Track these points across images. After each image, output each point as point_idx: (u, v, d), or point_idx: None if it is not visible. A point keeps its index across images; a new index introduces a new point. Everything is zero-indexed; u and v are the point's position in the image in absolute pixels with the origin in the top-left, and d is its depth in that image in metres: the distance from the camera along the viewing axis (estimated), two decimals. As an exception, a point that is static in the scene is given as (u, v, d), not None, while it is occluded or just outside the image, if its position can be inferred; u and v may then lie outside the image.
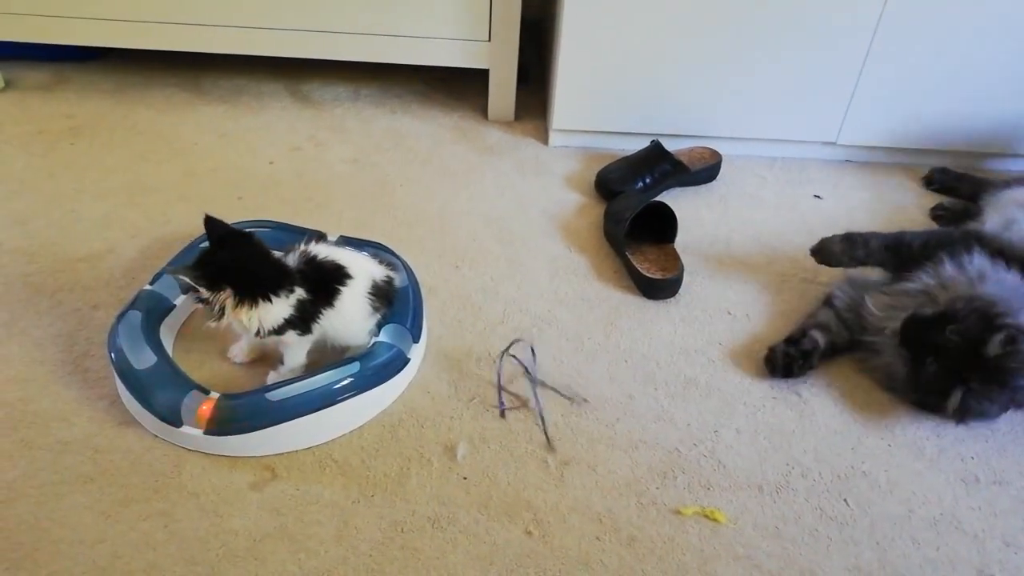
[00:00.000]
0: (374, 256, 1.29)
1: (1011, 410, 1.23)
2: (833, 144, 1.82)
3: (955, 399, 1.18)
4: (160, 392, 1.11)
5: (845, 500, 1.12)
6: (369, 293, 1.20)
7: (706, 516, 1.09)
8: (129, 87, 1.95)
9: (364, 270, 1.21)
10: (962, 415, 1.19)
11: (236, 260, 1.11)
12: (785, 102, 1.75)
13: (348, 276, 1.17)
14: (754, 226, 1.64)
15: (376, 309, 1.22)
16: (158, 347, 1.18)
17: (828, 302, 1.38)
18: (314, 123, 1.87)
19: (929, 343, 1.19)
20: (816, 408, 1.25)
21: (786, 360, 1.28)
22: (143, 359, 1.14)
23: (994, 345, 1.15)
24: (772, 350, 1.30)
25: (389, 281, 1.25)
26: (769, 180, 1.79)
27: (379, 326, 1.24)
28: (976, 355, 1.16)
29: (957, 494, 1.14)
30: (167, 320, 1.26)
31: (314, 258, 1.17)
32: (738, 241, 1.59)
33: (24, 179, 1.62)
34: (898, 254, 1.34)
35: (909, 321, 1.22)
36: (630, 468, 1.14)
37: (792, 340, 1.31)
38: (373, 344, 1.21)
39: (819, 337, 1.31)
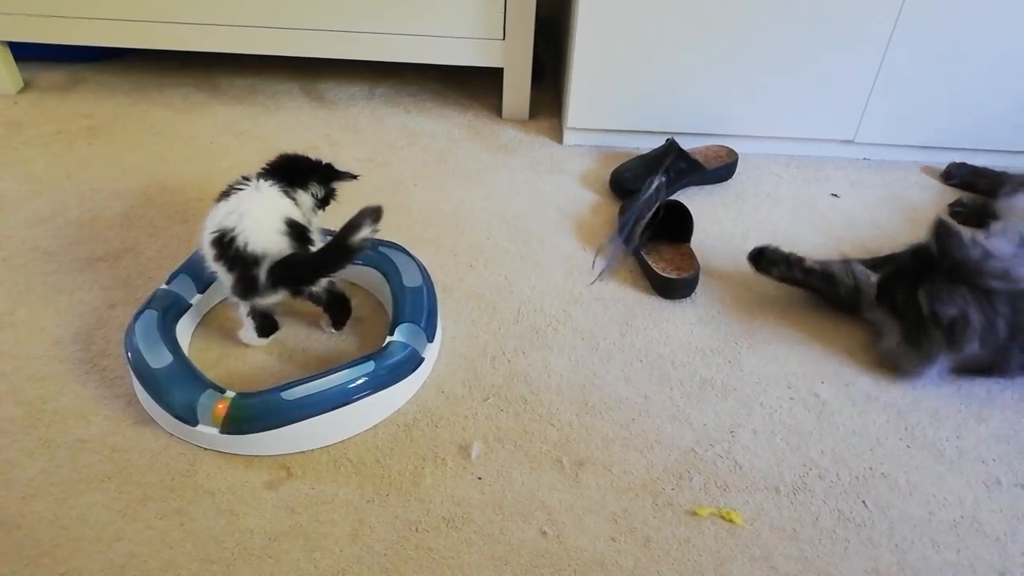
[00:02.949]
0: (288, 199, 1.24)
1: (998, 333, 1.20)
2: (851, 142, 1.80)
3: (923, 297, 1.19)
4: (176, 391, 1.12)
5: (863, 502, 1.11)
6: (211, 243, 1.17)
7: (722, 517, 1.08)
8: (146, 87, 1.96)
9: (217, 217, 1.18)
10: (933, 308, 1.18)
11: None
12: (802, 100, 1.73)
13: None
14: (771, 225, 1.62)
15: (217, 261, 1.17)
16: (174, 346, 1.18)
17: (846, 262, 1.40)
18: (329, 122, 1.87)
19: (895, 282, 1.27)
20: (834, 409, 1.24)
21: (763, 253, 1.39)
22: (159, 358, 1.15)
23: (930, 240, 1.22)
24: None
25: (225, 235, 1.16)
26: (786, 179, 1.77)
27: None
28: (930, 263, 1.21)
29: (978, 497, 1.12)
30: (183, 319, 1.27)
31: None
32: (755, 240, 1.57)
33: (43, 179, 1.64)
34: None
35: (879, 280, 1.31)
36: (645, 468, 1.14)
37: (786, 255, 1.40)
38: (388, 343, 1.21)
39: (815, 263, 1.39)
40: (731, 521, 1.07)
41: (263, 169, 1.28)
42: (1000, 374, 1.28)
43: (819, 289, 1.40)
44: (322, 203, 1.31)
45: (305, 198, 1.28)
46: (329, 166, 1.31)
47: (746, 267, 1.50)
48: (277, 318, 1.30)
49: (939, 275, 1.19)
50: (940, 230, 1.21)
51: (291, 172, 1.27)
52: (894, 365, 1.30)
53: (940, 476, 1.15)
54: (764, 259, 1.40)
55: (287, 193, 1.25)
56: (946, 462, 1.17)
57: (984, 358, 1.23)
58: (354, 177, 1.33)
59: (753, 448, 1.17)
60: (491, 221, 1.59)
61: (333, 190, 1.32)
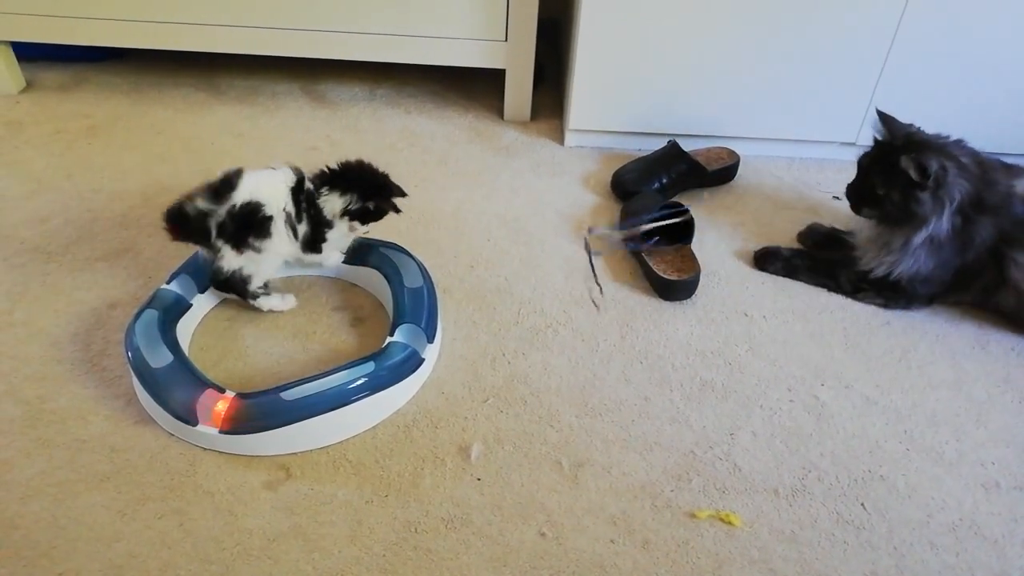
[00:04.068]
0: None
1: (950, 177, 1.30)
2: (852, 144, 1.80)
3: (906, 161, 1.29)
4: (176, 391, 1.12)
5: (862, 504, 1.11)
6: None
7: (721, 519, 1.08)
8: (146, 87, 1.96)
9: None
10: (921, 162, 1.28)
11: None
12: (804, 102, 1.73)
13: None
14: (771, 227, 1.62)
15: None
16: (174, 346, 1.18)
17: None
18: (329, 123, 1.87)
19: (867, 181, 1.38)
20: (834, 412, 1.24)
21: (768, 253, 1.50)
22: (159, 358, 1.15)
23: (878, 127, 1.37)
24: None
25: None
26: (787, 181, 1.77)
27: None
28: (889, 150, 1.34)
29: (977, 499, 1.12)
30: (183, 319, 1.26)
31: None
32: (755, 242, 1.57)
33: (43, 178, 1.64)
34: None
35: (849, 189, 1.44)
36: (645, 470, 1.13)
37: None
38: (388, 344, 1.21)
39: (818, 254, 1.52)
40: (730, 523, 1.07)
41: (328, 169, 1.30)
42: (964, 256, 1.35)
43: (830, 269, 1.46)
44: (356, 216, 1.30)
45: (334, 201, 1.27)
46: (380, 187, 1.30)
47: (747, 269, 1.50)
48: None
49: (901, 153, 1.30)
50: (879, 115, 1.37)
51: (340, 177, 1.29)
52: (879, 250, 1.39)
53: (939, 479, 1.15)
54: (769, 257, 1.49)
55: (308, 193, 1.27)
56: (945, 465, 1.17)
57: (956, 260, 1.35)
58: (396, 210, 1.33)
59: (752, 450, 1.17)
60: (492, 222, 1.59)
61: (369, 209, 1.30)
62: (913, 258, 1.35)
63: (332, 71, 2.04)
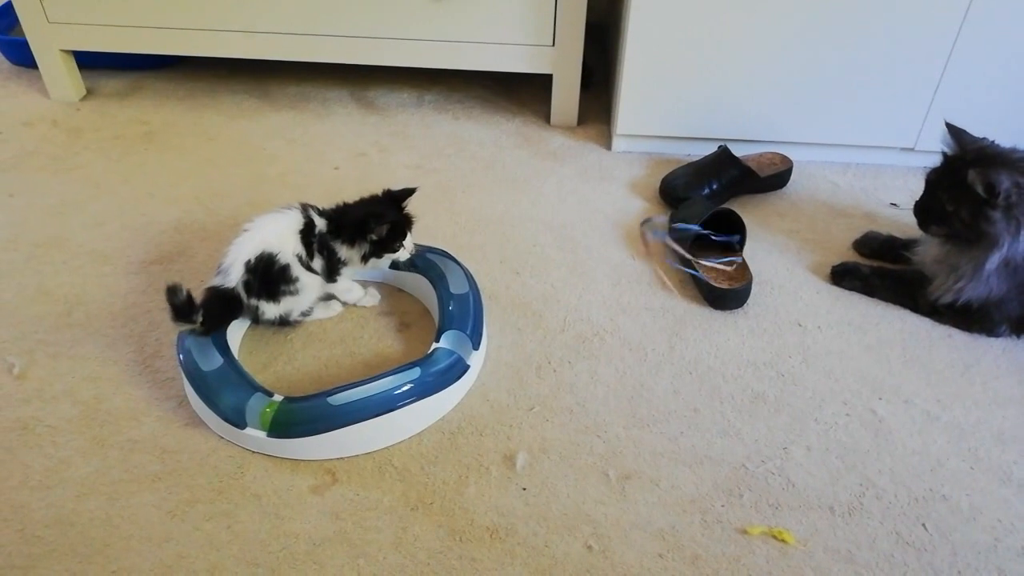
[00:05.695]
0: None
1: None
2: (911, 150, 1.74)
3: (974, 177, 1.21)
4: (225, 394, 1.13)
5: (923, 525, 1.06)
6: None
7: (774, 537, 1.05)
8: (200, 94, 2.00)
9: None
10: (989, 181, 1.20)
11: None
12: (860, 106, 1.68)
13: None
14: (826, 235, 1.58)
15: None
16: (224, 349, 1.20)
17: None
18: (378, 129, 1.88)
19: (936, 197, 1.31)
20: (892, 427, 1.19)
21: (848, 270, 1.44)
22: (210, 361, 1.17)
23: (948, 140, 1.30)
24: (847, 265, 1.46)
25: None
26: (842, 187, 1.72)
27: None
28: (958, 165, 1.27)
29: (1048, 523, 1.07)
30: (234, 323, 1.28)
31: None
32: (809, 250, 1.53)
33: (101, 183, 1.68)
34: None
35: (917, 206, 1.36)
36: (694, 484, 1.11)
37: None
38: (433, 350, 1.21)
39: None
40: (783, 541, 1.04)
41: (334, 213, 1.32)
42: None
43: (910, 289, 1.40)
44: (375, 254, 1.31)
45: (350, 252, 1.31)
46: (368, 218, 1.28)
47: (801, 278, 1.46)
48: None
49: (970, 168, 1.23)
50: (948, 127, 1.30)
51: (341, 228, 1.30)
52: (947, 275, 1.32)
53: (1006, 500, 1.10)
54: (848, 273, 1.44)
55: (321, 235, 1.29)
56: (1014, 486, 1.12)
57: None
58: (403, 230, 1.32)
59: (807, 465, 1.14)
60: (538, 229, 1.58)
61: (378, 242, 1.30)
62: (985, 283, 1.28)
63: (381, 77, 2.06)
